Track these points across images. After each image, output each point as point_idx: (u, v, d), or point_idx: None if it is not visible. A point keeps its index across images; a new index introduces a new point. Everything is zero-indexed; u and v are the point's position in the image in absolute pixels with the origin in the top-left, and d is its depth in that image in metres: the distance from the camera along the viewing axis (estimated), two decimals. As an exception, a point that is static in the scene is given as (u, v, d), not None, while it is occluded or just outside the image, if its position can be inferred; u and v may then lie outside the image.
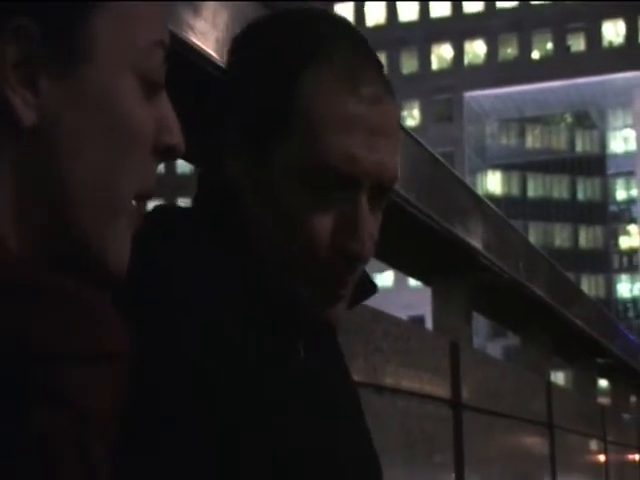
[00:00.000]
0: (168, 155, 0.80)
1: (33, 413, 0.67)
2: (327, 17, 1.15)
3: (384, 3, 56.39)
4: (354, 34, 1.13)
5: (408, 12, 56.91)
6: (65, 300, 0.71)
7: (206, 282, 1.06)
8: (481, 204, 3.96)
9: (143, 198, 0.79)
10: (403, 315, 7.79)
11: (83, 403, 0.70)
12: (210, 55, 1.73)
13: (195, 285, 1.05)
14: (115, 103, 0.75)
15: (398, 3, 56.69)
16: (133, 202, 0.78)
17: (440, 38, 56.31)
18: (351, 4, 56.07)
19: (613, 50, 56.04)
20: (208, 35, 1.72)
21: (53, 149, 0.73)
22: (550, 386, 5.01)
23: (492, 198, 50.54)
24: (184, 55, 1.68)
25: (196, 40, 1.69)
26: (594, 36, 55.87)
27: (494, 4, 56.57)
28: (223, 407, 1.01)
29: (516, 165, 58.72)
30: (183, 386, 1.00)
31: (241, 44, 1.15)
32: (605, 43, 56.62)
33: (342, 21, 1.15)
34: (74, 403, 0.69)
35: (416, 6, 56.86)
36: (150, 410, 0.97)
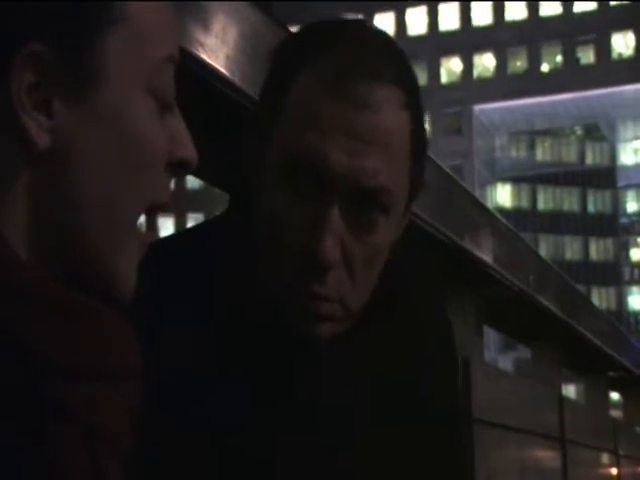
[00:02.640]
0: (182, 169, 0.80)
1: (46, 428, 0.68)
2: (339, 25, 1.12)
3: (393, 17, 56.48)
4: (363, 41, 1.08)
5: (417, 26, 56.99)
6: (80, 316, 0.71)
7: (197, 300, 1.08)
8: (491, 218, 3.96)
9: (157, 210, 0.79)
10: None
11: (96, 418, 0.70)
12: (220, 72, 1.74)
13: (184, 306, 1.07)
14: (128, 122, 0.75)
15: (407, 17, 56.78)
16: (143, 215, 0.78)
17: (449, 51, 56.32)
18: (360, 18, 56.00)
19: (623, 62, 55.94)
20: (218, 52, 1.72)
21: (67, 170, 0.73)
22: (562, 399, 5.00)
23: (502, 211, 50.46)
24: (195, 71, 1.69)
25: (206, 57, 1.70)
26: (604, 48, 55.81)
27: (503, 17, 56.61)
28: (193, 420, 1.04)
29: (526, 178, 58.59)
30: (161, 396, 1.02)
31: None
32: (615, 55, 56.53)
33: (352, 28, 1.11)
34: (87, 418, 0.70)
35: (425, 20, 56.95)
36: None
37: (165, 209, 0.80)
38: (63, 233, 0.74)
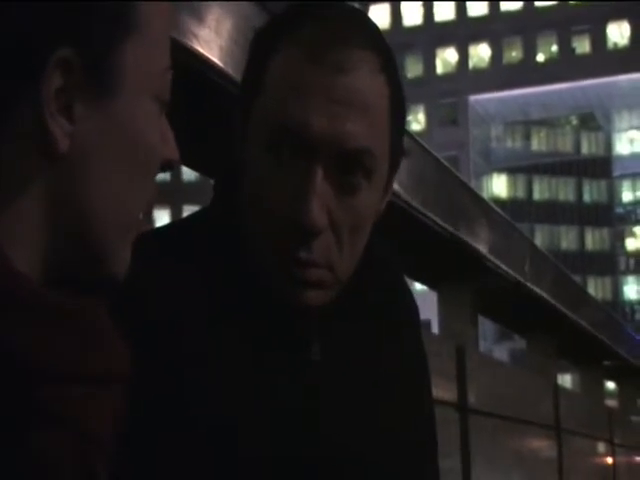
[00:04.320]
0: (167, 168, 0.82)
1: (37, 432, 0.68)
2: (309, 4, 1.14)
3: (388, 7, 56.42)
4: (334, 13, 1.11)
5: (412, 16, 56.92)
6: (71, 322, 0.72)
7: (190, 286, 1.08)
8: (486, 208, 3.96)
9: (151, 205, 0.82)
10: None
11: (87, 423, 0.71)
12: (214, 63, 1.74)
13: (179, 294, 1.07)
14: (137, 128, 0.77)
15: (402, 7, 56.72)
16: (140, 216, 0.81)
17: (444, 42, 56.29)
18: (355, 9, 55.85)
19: (618, 52, 55.95)
20: (212, 43, 1.73)
21: (81, 173, 0.75)
22: (557, 389, 5.01)
23: (498, 201, 50.52)
24: (188, 63, 1.69)
25: (200, 48, 1.70)
26: (599, 38, 55.81)
27: (498, 7, 56.56)
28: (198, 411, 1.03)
29: (522, 168, 58.63)
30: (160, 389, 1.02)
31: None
32: (610, 45, 56.53)
33: (321, 5, 1.13)
34: (78, 422, 0.70)
35: (420, 10, 56.89)
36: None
37: (150, 209, 0.83)
38: (74, 233, 0.76)
